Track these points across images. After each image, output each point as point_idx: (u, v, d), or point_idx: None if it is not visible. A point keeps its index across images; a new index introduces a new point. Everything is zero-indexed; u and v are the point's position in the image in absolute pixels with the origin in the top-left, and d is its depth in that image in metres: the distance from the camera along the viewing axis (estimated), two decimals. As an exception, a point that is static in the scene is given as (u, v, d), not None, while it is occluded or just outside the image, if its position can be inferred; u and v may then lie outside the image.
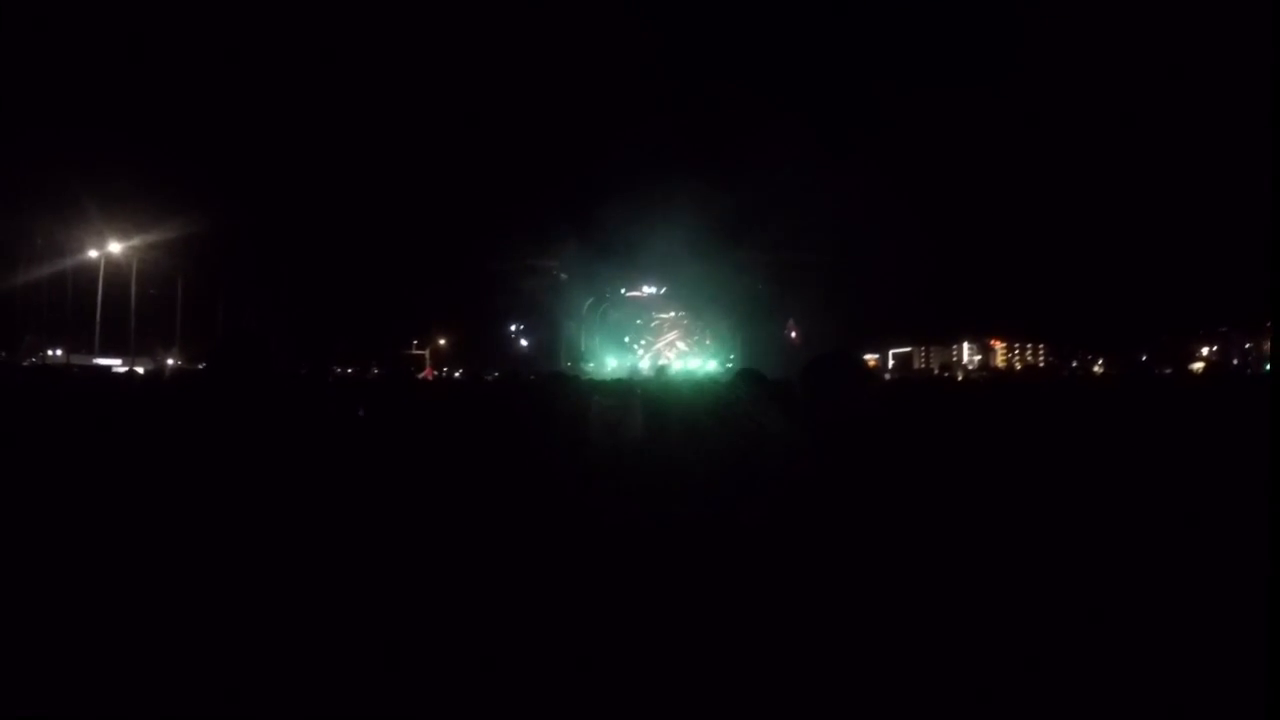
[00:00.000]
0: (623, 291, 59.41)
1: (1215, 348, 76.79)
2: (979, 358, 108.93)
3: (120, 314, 45.56)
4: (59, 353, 44.02)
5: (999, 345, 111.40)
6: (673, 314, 59.78)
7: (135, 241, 45.25)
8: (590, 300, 59.26)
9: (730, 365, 50.83)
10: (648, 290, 59.46)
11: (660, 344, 59.27)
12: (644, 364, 55.24)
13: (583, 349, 57.84)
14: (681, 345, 59.25)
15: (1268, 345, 73.02)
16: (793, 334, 58.47)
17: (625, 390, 6.35)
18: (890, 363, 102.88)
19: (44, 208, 45.99)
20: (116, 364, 35.31)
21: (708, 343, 58.97)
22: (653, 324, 59.76)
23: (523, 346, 59.74)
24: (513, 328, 60.29)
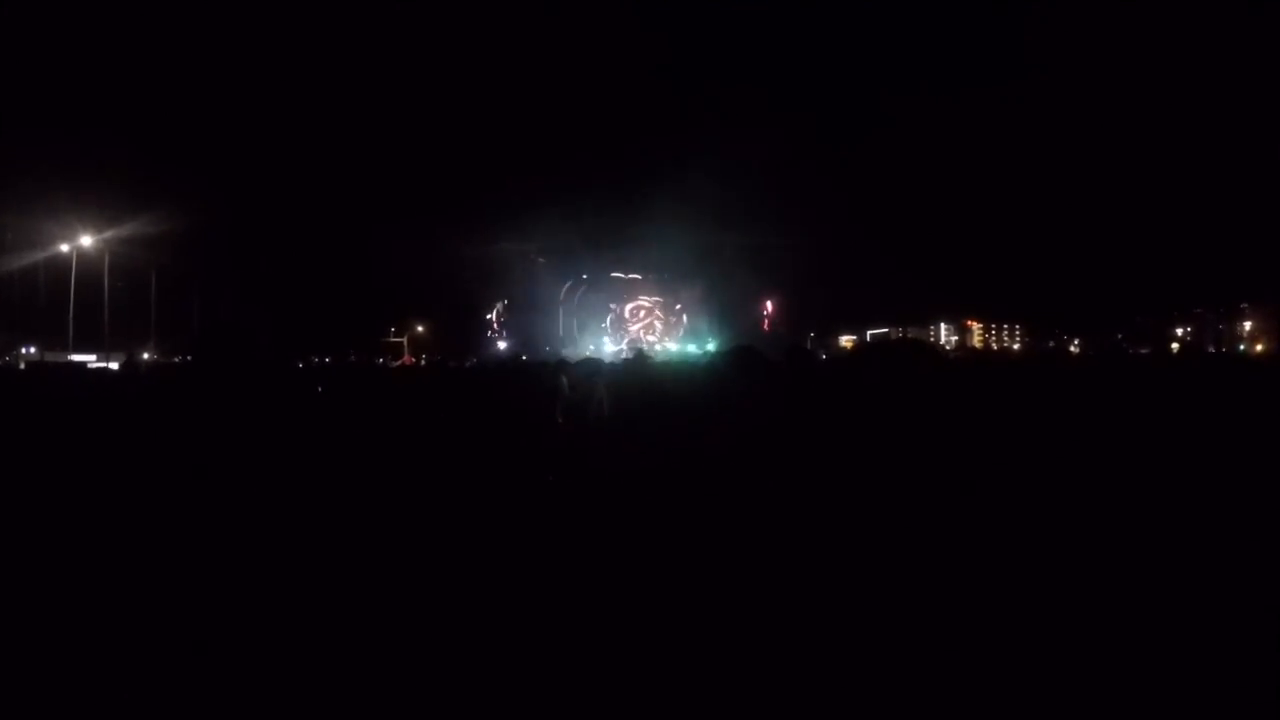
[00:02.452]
0: (601, 276, 59.27)
1: (1189, 328, 77.36)
2: (956, 338, 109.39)
3: (94, 309, 45.07)
4: (33, 350, 43.54)
5: (976, 326, 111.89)
6: (652, 298, 59.70)
7: (107, 235, 44.74)
8: (569, 284, 59.11)
9: (710, 348, 50.85)
10: (627, 274, 59.35)
11: (639, 327, 59.22)
12: (623, 347, 55.18)
13: (561, 333, 57.67)
14: (660, 328, 59.23)
15: (1239, 326, 73.67)
16: (770, 316, 58.54)
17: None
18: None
19: (12, 203, 45.42)
20: (91, 360, 34.98)
21: (686, 325, 58.94)
22: (632, 307, 59.68)
23: (501, 332, 59.49)
24: (490, 313, 60.02)
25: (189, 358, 3.77)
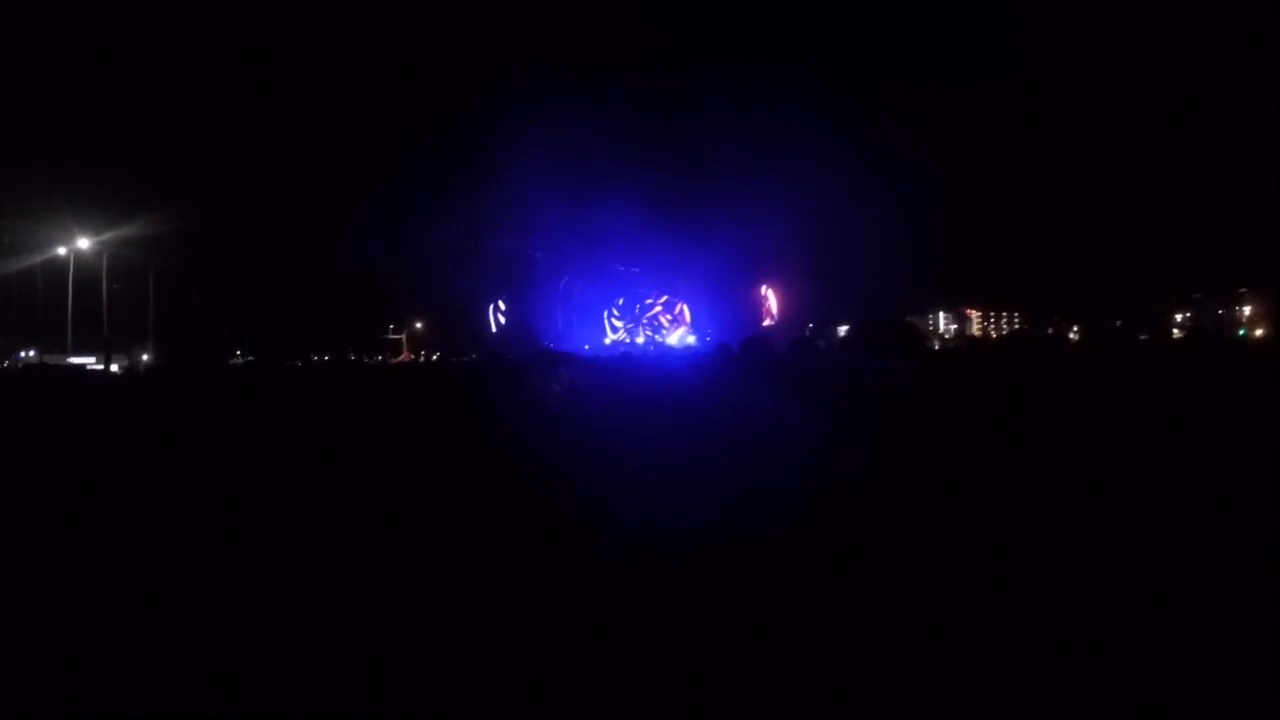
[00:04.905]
0: (600, 269, 59.21)
1: (1189, 314, 77.39)
2: (955, 327, 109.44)
3: (93, 312, 45.02)
4: (32, 353, 43.57)
5: (974, 314, 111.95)
6: (651, 290, 59.63)
7: (105, 237, 44.63)
8: (566, 279, 59.07)
9: (709, 339, 50.84)
10: (624, 267, 59.26)
11: (639, 320, 59.13)
12: (621, 340, 55.23)
13: (559, 328, 57.61)
14: (661, 321, 59.16)
15: (1239, 311, 73.70)
16: (771, 307, 58.46)
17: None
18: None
19: (9, 205, 45.33)
20: (90, 362, 34.99)
21: (685, 318, 58.88)
22: (629, 301, 59.59)
23: (500, 326, 59.38)
24: (489, 309, 59.89)
25: (152, 359, 3.67)
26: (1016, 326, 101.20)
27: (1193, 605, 2.83)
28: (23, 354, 43.54)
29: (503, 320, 59.28)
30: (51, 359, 38.04)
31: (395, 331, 75.52)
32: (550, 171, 51.63)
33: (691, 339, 54.78)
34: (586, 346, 50.28)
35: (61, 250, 43.83)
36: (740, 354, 4.74)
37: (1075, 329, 66.29)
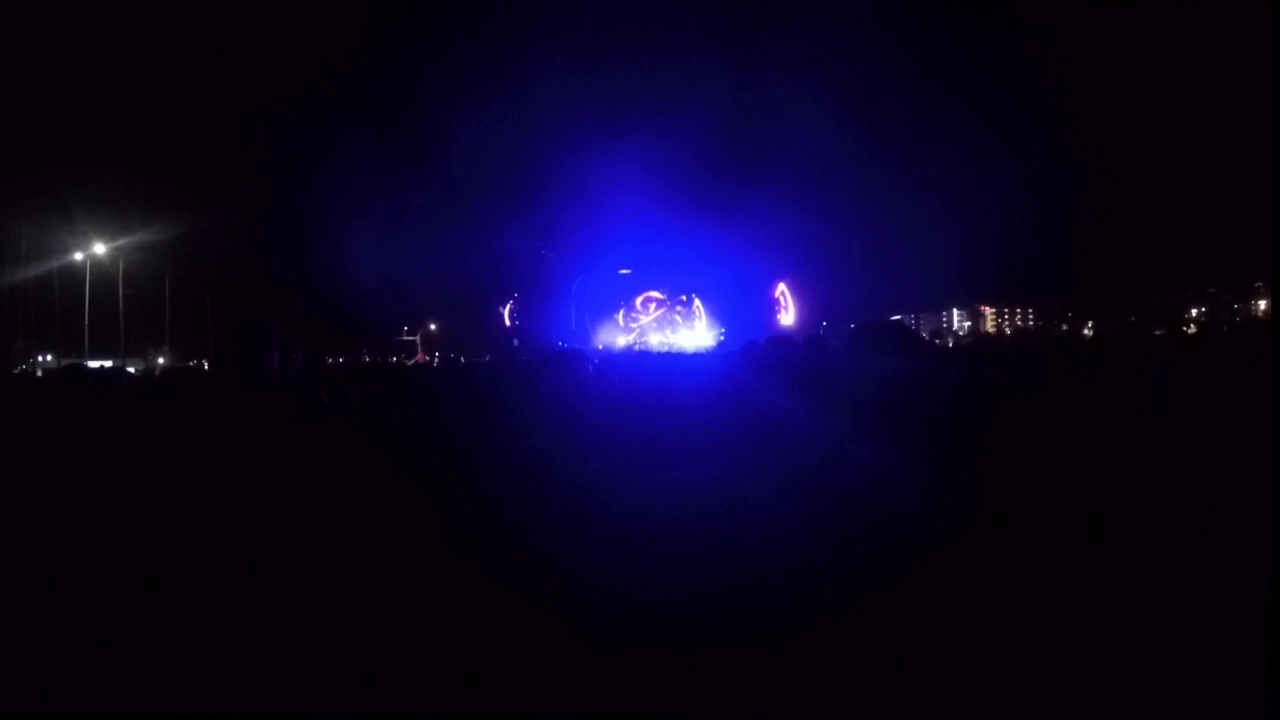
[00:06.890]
0: (612, 269, 59.21)
1: (1204, 309, 76.93)
2: (969, 324, 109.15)
3: (109, 316, 45.23)
4: (49, 358, 43.80)
5: (988, 311, 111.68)
6: (663, 290, 59.56)
7: (120, 242, 44.82)
8: (579, 280, 59.14)
9: (722, 339, 50.78)
10: (637, 268, 59.25)
11: (650, 320, 59.09)
12: (633, 341, 55.20)
13: (572, 328, 57.66)
14: (672, 320, 59.08)
15: (1255, 306, 73.19)
16: (784, 306, 58.36)
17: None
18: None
19: (25, 211, 45.57)
20: (106, 365, 35.13)
21: (699, 317, 58.82)
22: (642, 300, 59.54)
23: (514, 326, 59.47)
24: (502, 309, 60.03)
25: (205, 362, 3.67)
26: (1031, 322, 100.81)
27: (1194, 605, 2.83)
28: (40, 358, 43.77)
29: (516, 321, 59.38)
30: (70, 363, 38.14)
31: (410, 333, 75.76)
32: (564, 171, 51.69)
33: (707, 338, 54.71)
34: (600, 346, 50.26)
35: (78, 256, 44.04)
36: (764, 352, 4.70)
37: (1090, 324, 65.95)
